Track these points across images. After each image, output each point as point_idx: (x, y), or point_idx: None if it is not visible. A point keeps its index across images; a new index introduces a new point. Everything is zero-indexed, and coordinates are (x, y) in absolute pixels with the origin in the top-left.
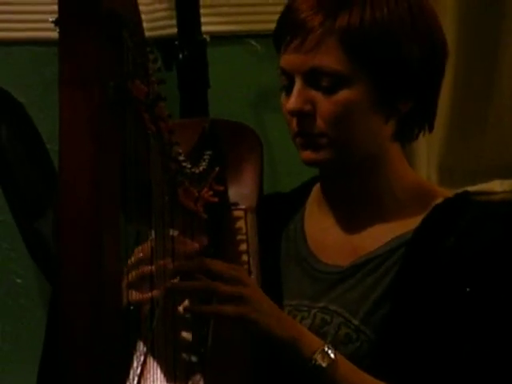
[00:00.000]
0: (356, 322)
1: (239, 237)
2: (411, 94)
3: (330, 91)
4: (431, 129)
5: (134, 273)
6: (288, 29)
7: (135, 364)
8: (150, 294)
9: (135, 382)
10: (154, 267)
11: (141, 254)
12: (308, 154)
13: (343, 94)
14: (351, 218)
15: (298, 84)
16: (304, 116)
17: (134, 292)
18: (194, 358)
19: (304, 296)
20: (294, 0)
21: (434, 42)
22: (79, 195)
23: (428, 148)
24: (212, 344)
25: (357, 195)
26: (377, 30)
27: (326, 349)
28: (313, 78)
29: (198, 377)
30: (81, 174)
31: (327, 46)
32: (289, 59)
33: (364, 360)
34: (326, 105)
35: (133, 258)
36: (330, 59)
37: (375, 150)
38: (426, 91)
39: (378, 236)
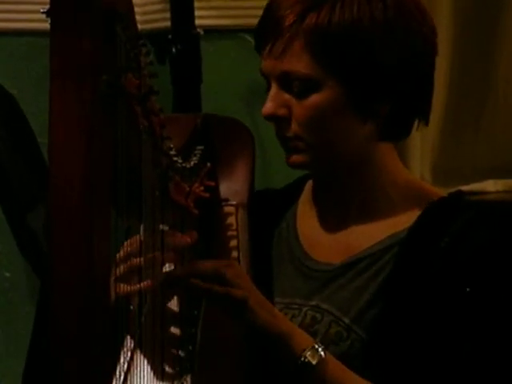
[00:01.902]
0: (347, 321)
1: (230, 232)
2: (388, 97)
3: (301, 96)
4: (427, 123)
5: (122, 266)
6: (263, 32)
7: (122, 360)
8: (138, 287)
9: (121, 378)
10: (142, 260)
11: (130, 248)
12: (290, 158)
13: (314, 98)
14: (343, 217)
15: (273, 88)
16: (280, 120)
17: (122, 285)
18: (182, 355)
19: (296, 294)
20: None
21: (415, 45)
22: (69, 189)
23: (421, 148)
24: (201, 341)
25: (348, 195)
26: (345, 31)
27: (316, 346)
28: (285, 82)
29: (185, 373)
30: (71, 168)
31: (294, 50)
32: (264, 64)
33: (354, 359)
34: (298, 109)
35: (122, 252)
36: (297, 64)
37: (359, 150)
38: (407, 93)
39: (371, 235)
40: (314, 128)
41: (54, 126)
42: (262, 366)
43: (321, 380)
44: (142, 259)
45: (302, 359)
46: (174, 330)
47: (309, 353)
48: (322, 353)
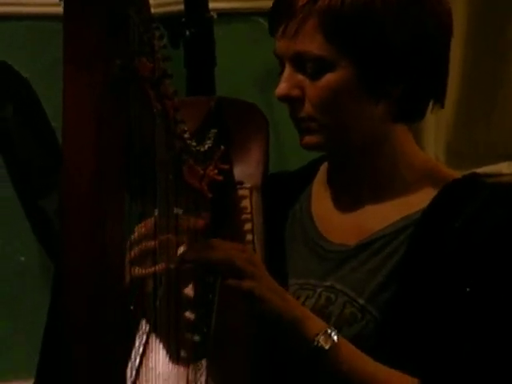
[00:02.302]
0: (361, 302)
1: (244, 216)
2: (401, 78)
3: (314, 76)
4: (442, 105)
5: (136, 249)
6: (276, 13)
7: (137, 344)
8: (152, 270)
9: (137, 361)
10: (156, 243)
11: (143, 230)
12: (304, 139)
13: (327, 79)
14: (358, 198)
15: (286, 69)
16: (293, 101)
17: (136, 269)
18: (197, 339)
19: (311, 275)
20: None
21: (428, 25)
22: (81, 175)
23: (436, 130)
24: (215, 326)
25: (362, 176)
26: (357, 12)
27: (329, 331)
28: (299, 63)
29: (200, 358)
30: (84, 153)
31: (307, 31)
32: (278, 45)
33: (368, 340)
34: (311, 90)
35: (135, 234)
36: (310, 44)
37: (372, 131)
38: (421, 75)
39: (385, 216)
40: (327, 109)
41: (67, 110)
42: (274, 353)
43: (334, 365)
44: (156, 242)
45: (315, 344)
46: (189, 314)
47: (321, 337)
48: (335, 337)
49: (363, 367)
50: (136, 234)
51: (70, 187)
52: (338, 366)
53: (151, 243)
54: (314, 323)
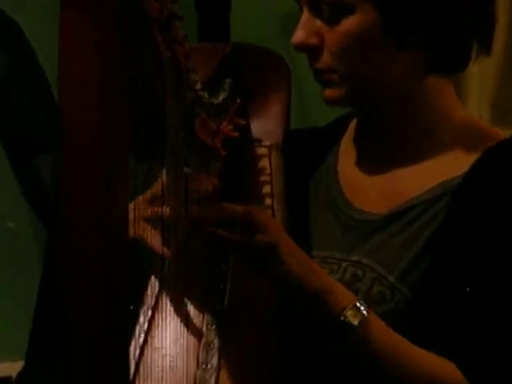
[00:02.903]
0: (391, 279)
1: (262, 177)
2: (433, 22)
3: (332, 21)
4: (488, 52)
5: (143, 211)
6: None
7: (141, 319)
8: (159, 234)
9: (141, 339)
10: (165, 207)
11: (150, 192)
12: (325, 93)
13: (346, 24)
14: (390, 160)
15: (304, 15)
16: (311, 50)
17: (142, 231)
18: (208, 314)
19: (335, 247)
20: None
21: None
22: (83, 131)
23: (480, 84)
24: (229, 299)
25: (395, 135)
26: None
27: (358, 305)
28: (316, 6)
29: (212, 335)
30: (85, 107)
31: None
32: None
33: (398, 322)
34: (330, 36)
35: (143, 196)
36: None
37: (403, 84)
38: (460, 13)
39: (421, 181)
40: (348, 58)
41: (66, 59)
42: (295, 328)
43: (363, 343)
44: (163, 204)
45: (342, 319)
46: (200, 285)
47: (350, 312)
48: (365, 312)
49: (395, 347)
50: (143, 196)
51: (71, 147)
52: (367, 345)
53: (158, 205)
54: (342, 295)
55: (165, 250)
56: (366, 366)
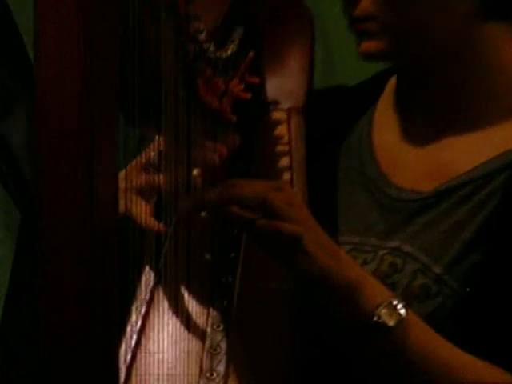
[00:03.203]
0: (438, 270)
1: (280, 147)
2: None
3: None
4: None
5: (135, 182)
6: None
7: (134, 317)
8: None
9: (133, 341)
10: (161, 178)
11: (144, 159)
12: (361, 45)
13: None
14: (437, 128)
15: None
16: None
17: (135, 210)
18: (214, 314)
19: (370, 231)
20: None
21: None
22: (63, 91)
23: None
24: (239, 294)
25: (443, 98)
26: None
27: (395, 302)
28: None
29: (218, 337)
30: (65, 63)
31: None
32: None
33: (444, 322)
34: None
35: (134, 163)
36: None
37: (456, 35)
38: None
39: (474, 154)
40: (391, 3)
41: (42, 9)
42: (316, 331)
43: (399, 347)
44: (160, 175)
45: (375, 319)
46: (204, 276)
47: (384, 310)
48: (403, 311)
49: (439, 354)
50: (134, 162)
51: (47, 110)
52: (403, 351)
53: (153, 177)
54: (376, 291)
55: (161, 225)
56: (401, 378)
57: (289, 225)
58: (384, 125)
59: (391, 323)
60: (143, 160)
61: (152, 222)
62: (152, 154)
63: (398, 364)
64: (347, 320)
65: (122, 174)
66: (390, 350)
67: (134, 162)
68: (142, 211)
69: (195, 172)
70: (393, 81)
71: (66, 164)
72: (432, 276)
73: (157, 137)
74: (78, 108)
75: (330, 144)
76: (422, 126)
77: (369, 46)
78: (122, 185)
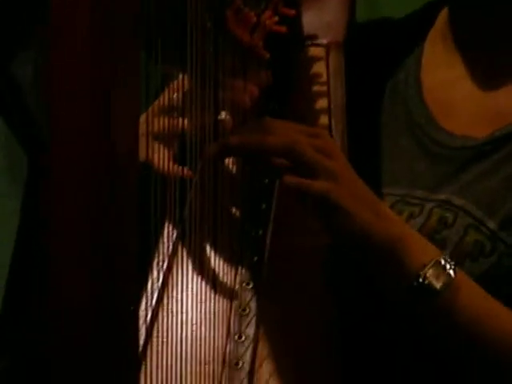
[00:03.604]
0: (492, 225)
1: (317, 87)
2: None
3: None
4: None
5: (157, 123)
6: None
7: (155, 273)
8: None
9: (154, 298)
10: (186, 120)
11: (165, 101)
12: None
13: None
14: (493, 68)
15: None
16: None
17: (156, 153)
18: (243, 270)
19: (417, 183)
20: None
21: None
22: (77, 24)
23: None
24: (271, 251)
25: (501, 31)
26: None
27: (443, 262)
28: None
29: (247, 297)
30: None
31: None
32: None
33: (500, 282)
34: None
35: (155, 105)
36: None
37: None
38: None
39: None
40: None
41: None
42: (358, 293)
43: (446, 311)
44: (184, 118)
45: (421, 280)
46: (232, 230)
47: (431, 271)
48: (452, 272)
49: (492, 318)
50: (156, 104)
51: (60, 45)
52: (452, 315)
53: (176, 119)
54: (422, 249)
55: (185, 170)
56: (449, 345)
57: (316, 182)
58: (435, 63)
59: (438, 285)
60: (165, 102)
61: (175, 168)
62: (175, 95)
63: (446, 330)
64: (390, 282)
65: (142, 117)
66: (437, 314)
67: (154, 105)
68: (163, 157)
69: (223, 114)
70: (444, 13)
71: (80, 106)
72: (486, 232)
73: (181, 75)
74: (92, 43)
75: (373, 84)
76: (479, 65)
77: None
78: (142, 129)
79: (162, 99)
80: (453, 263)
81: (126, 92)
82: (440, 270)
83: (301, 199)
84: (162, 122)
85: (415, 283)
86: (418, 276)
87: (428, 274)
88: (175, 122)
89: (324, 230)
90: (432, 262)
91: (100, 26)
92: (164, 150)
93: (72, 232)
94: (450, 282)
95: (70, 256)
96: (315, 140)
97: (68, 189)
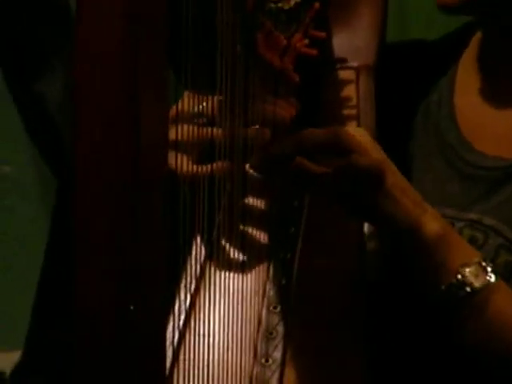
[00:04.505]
0: None
1: (347, 110)
2: None
3: None
4: None
5: (183, 129)
6: None
7: (182, 295)
8: (209, 168)
9: (181, 320)
10: (218, 132)
11: (196, 108)
12: None
13: None
14: None
15: None
16: None
17: (185, 165)
18: (271, 293)
19: (447, 202)
20: None
21: None
22: (104, 42)
23: None
24: (299, 273)
25: None
26: None
27: (484, 264)
28: None
29: (275, 320)
30: (108, 11)
31: None
32: None
33: None
34: None
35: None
36: None
37: None
38: None
39: None
40: None
41: None
42: (394, 286)
43: (481, 313)
44: (214, 129)
45: (460, 277)
46: (261, 253)
47: (471, 269)
48: (493, 274)
49: None
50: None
51: (87, 63)
52: (487, 317)
53: (207, 129)
54: (463, 249)
55: (220, 164)
56: (480, 351)
57: (369, 158)
58: (467, 86)
59: (478, 284)
60: (186, 110)
61: (203, 168)
62: (203, 104)
63: (480, 333)
64: (429, 279)
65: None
66: (473, 314)
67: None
68: (187, 164)
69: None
70: (477, 37)
71: (108, 117)
72: None
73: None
74: (121, 62)
75: (405, 106)
76: (509, 89)
77: None
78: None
79: (181, 106)
80: (492, 266)
81: (155, 106)
82: (480, 271)
83: (345, 194)
84: (185, 130)
85: (454, 280)
86: (457, 272)
87: (467, 273)
88: (204, 130)
89: (353, 251)
90: (473, 262)
91: (129, 48)
92: (187, 158)
93: (99, 246)
94: (488, 283)
95: (97, 270)
96: (356, 133)
97: (94, 201)
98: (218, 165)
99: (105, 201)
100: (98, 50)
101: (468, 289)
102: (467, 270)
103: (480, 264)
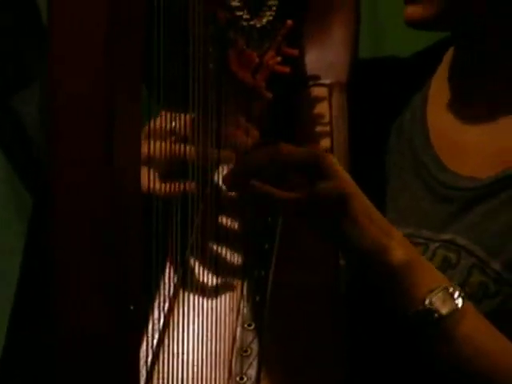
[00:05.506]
0: (496, 267)
1: (320, 127)
2: None
3: None
4: None
5: (158, 145)
6: None
7: (156, 314)
8: (181, 187)
9: (155, 339)
10: (190, 149)
11: (169, 126)
12: (407, 11)
13: None
14: (502, 107)
15: None
16: None
17: (159, 184)
18: (245, 311)
19: (421, 222)
20: None
21: None
22: (80, 59)
23: None
24: (273, 290)
25: (505, 75)
26: None
27: (451, 290)
28: None
29: (249, 338)
30: (84, 30)
31: None
32: None
33: (505, 324)
34: None
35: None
36: None
37: None
38: None
39: None
40: None
41: None
42: (363, 313)
43: (450, 339)
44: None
45: (427, 303)
46: (234, 271)
47: (438, 296)
48: (460, 301)
49: (498, 352)
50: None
51: (60, 80)
52: (455, 343)
53: (179, 146)
54: (430, 275)
55: (192, 185)
56: (450, 373)
57: (335, 185)
58: (440, 103)
59: (444, 311)
60: (158, 127)
61: (177, 186)
62: (174, 123)
63: (449, 358)
64: (397, 305)
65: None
66: (441, 340)
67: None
68: (149, 179)
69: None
70: (449, 53)
71: (82, 136)
72: (491, 273)
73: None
74: (96, 79)
75: (379, 123)
76: (484, 105)
77: (413, 12)
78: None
79: (153, 123)
80: (462, 293)
81: (128, 126)
82: (447, 296)
83: (314, 215)
84: (157, 147)
85: (421, 307)
86: (424, 300)
87: (434, 299)
88: (176, 147)
89: (327, 266)
90: (440, 288)
91: (104, 65)
92: (148, 172)
93: (79, 268)
94: (455, 309)
95: (75, 290)
96: (326, 157)
97: (71, 219)
98: (190, 184)
99: (79, 219)
100: (72, 65)
101: (436, 315)
102: (434, 296)
103: (447, 289)
